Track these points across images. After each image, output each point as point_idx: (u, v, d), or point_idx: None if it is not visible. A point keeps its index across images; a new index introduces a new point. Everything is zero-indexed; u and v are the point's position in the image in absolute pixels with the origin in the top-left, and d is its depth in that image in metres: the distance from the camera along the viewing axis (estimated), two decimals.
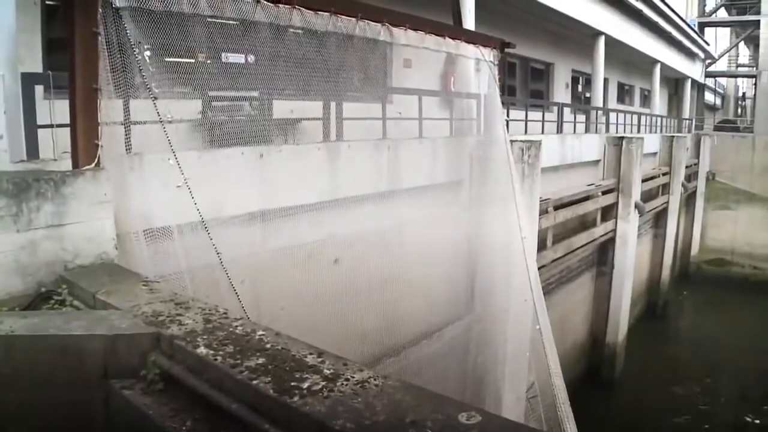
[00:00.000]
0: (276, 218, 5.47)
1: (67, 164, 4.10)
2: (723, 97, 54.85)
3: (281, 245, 5.52)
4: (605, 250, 15.35)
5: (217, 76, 5.09)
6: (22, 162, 4.96)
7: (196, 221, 4.28)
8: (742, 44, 46.76)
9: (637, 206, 15.41)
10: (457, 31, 6.92)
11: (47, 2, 7.47)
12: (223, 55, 5.07)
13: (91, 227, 3.76)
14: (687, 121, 32.94)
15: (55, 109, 4.89)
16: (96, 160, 3.91)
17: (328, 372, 2.13)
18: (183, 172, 4.17)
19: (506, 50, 7.50)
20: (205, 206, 4.38)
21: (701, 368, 16.71)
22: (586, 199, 13.16)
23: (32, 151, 5.14)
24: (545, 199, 10.37)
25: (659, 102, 29.13)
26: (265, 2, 4.73)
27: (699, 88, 38.59)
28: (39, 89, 5.28)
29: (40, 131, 5.14)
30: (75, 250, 3.68)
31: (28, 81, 5.21)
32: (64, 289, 3.46)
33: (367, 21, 5.64)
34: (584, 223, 13.49)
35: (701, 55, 35.08)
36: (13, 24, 5.44)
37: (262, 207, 5.36)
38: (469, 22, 10.50)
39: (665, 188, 20.50)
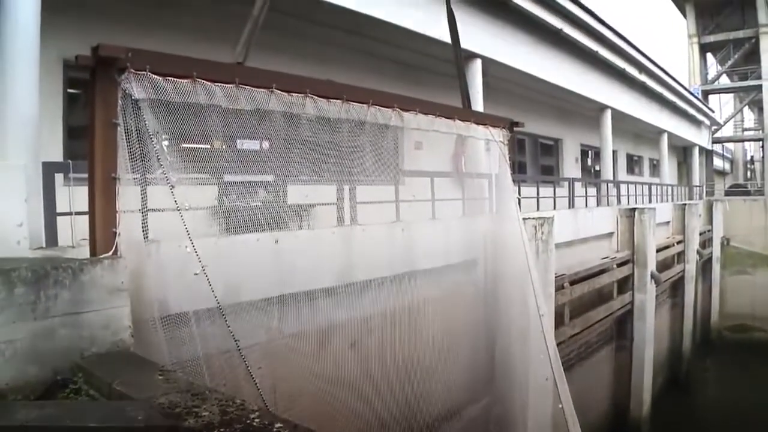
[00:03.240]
0: (292, 303, 5.46)
1: (85, 251, 4.13)
2: (731, 162, 55.03)
3: (298, 330, 5.50)
4: (624, 323, 15.12)
5: (233, 162, 5.18)
6: (41, 249, 5.04)
7: (213, 307, 4.26)
8: (746, 109, 47.34)
9: (653, 277, 15.28)
10: (466, 113, 7.05)
11: (69, 90, 7.76)
12: (238, 141, 5.18)
13: (108, 315, 3.75)
14: (697, 188, 33.00)
15: (74, 196, 5.00)
16: (114, 248, 3.92)
17: None
18: (200, 259, 4.19)
19: (515, 128, 7.64)
20: (222, 292, 4.38)
21: None
22: (602, 272, 13.10)
23: (51, 238, 5.23)
24: (561, 275, 10.32)
25: (668, 170, 29.27)
26: (279, 92, 4.86)
27: (707, 154, 38.82)
28: (59, 176, 5.43)
29: (59, 218, 5.27)
30: (91, 337, 3.66)
31: (49, 170, 5.37)
32: (80, 377, 3.41)
33: (378, 107, 5.77)
34: (601, 297, 13.36)
35: (707, 122, 35.48)
36: (36, 114, 5.65)
37: (279, 292, 5.37)
38: (477, 102, 10.79)
39: (680, 256, 20.36)
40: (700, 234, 22.71)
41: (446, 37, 7.78)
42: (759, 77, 38.66)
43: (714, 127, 38.89)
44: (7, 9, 5.62)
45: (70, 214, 5.19)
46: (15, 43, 5.60)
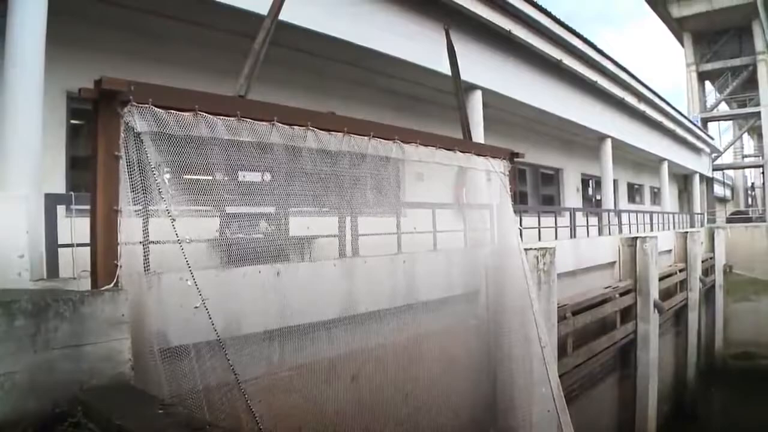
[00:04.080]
0: (293, 336, 5.43)
1: (86, 283, 4.12)
2: (732, 189, 55.18)
3: (299, 363, 5.45)
4: (627, 352, 15.00)
5: (234, 194, 5.19)
6: (42, 280, 5.02)
7: (214, 340, 4.24)
8: (746, 135, 47.61)
9: (656, 305, 15.20)
10: (466, 145, 7.08)
11: (71, 121, 7.81)
12: (239, 173, 5.19)
13: (109, 348, 3.71)
14: (699, 215, 33.01)
15: (75, 228, 5.00)
16: (115, 280, 3.92)
17: None
18: (200, 292, 4.18)
19: (516, 159, 7.67)
20: (222, 325, 4.37)
21: None
22: (604, 301, 13.03)
23: (52, 269, 5.21)
24: (563, 305, 10.27)
25: (669, 198, 29.32)
26: (280, 124, 4.89)
27: (707, 181, 38.92)
28: (61, 207, 5.44)
29: (60, 250, 5.26)
30: (91, 370, 3.62)
31: (51, 201, 5.38)
32: (80, 410, 3.36)
33: (379, 139, 5.79)
34: (604, 326, 13.27)
35: (707, 149, 35.62)
36: (38, 145, 5.69)
37: (280, 325, 5.33)
38: (478, 133, 10.85)
39: (683, 284, 20.28)
40: (703, 261, 22.65)
41: (446, 69, 7.85)
42: (757, 104, 39.06)
43: (714, 155, 39.05)
44: (12, 41, 5.71)
45: (71, 245, 5.19)
46: (19, 75, 5.68)
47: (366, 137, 5.66)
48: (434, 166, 6.55)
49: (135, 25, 8.19)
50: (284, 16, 6.17)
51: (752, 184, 54.30)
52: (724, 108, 44.13)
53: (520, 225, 8.82)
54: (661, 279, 16.42)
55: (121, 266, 3.95)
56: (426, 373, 6.47)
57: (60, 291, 3.95)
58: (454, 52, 7.75)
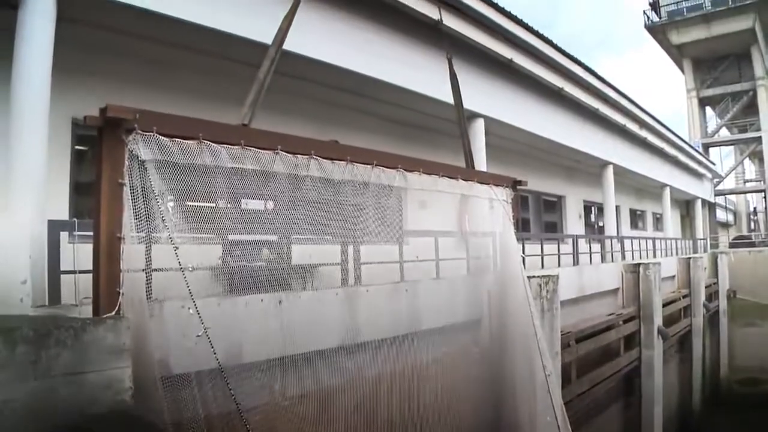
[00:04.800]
0: (295, 364, 5.39)
1: (88, 310, 4.11)
2: (735, 214, 55.12)
3: (301, 392, 5.41)
4: (631, 379, 14.89)
5: (237, 222, 5.19)
6: (43, 307, 5.02)
7: (215, 368, 4.22)
8: (747, 160, 47.74)
9: (660, 332, 15.12)
10: (469, 173, 7.09)
11: (76, 147, 7.86)
12: (242, 201, 5.20)
13: (109, 376, 3.70)
14: (701, 241, 32.94)
15: (78, 254, 5.00)
16: (117, 307, 3.90)
17: None
18: (202, 321, 4.17)
19: (518, 186, 7.68)
20: (224, 353, 4.35)
21: None
22: (608, 328, 12.97)
23: (54, 296, 5.22)
24: (566, 333, 10.22)
25: (672, 224, 29.27)
26: (284, 153, 4.91)
27: (710, 207, 38.90)
28: (64, 234, 5.45)
29: (63, 276, 5.26)
30: (92, 398, 3.60)
31: (54, 227, 5.39)
32: None
33: (382, 167, 5.81)
34: (608, 353, 13.19)
35: (708, 174, 35.67)
36: (43, 171, 5.73)
37: (282, 353, 5.29)
38: (480, 161, 10.88)
39: (687, 310, 20.17)
40: (706, 287, 22.54)
41: (449, 98, 7.89)
42: (758, 129, 39.30)
43: (716, 180, 39.11)
44: (19, 68, 5.79)
45: (74, 272, 5.20)
46: (25, 101, 5.77)
47: (369, 166, 5.66)
48: (437, 193, 6.56)
49: (140, 52, 8.27)
50: (288, 45, 6.22)
51: (754, 208, 54.33)
52: (725, 133, 44.39)
53: (523, 252, 8.81)
54: (664, 305, 16.34)
55: (123, 294, 3.94)
56: (429, 401, 6.41)
57: (62, 318, 3.95)
58: (457, 80, 7.81)
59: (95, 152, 4.06)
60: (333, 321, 5.85)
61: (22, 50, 5.84)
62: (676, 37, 40.64)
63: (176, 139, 4.20)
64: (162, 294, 4.35)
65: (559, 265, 13.40)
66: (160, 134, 4.09)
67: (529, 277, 7.69)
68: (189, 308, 4.18)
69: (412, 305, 6.63)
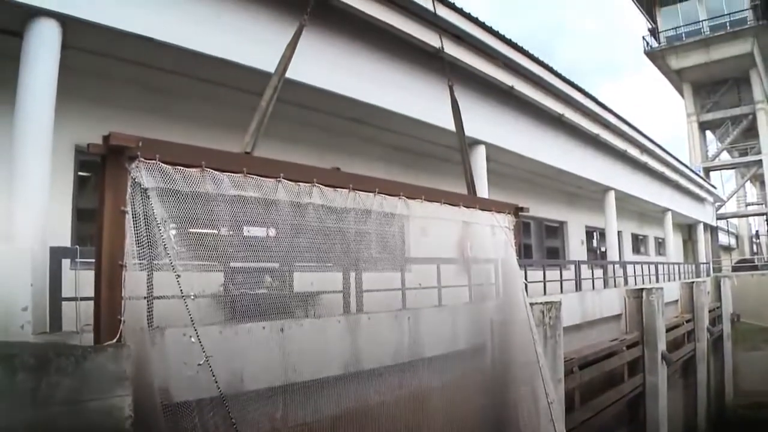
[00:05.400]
0: (297, 392, 5.36)
1: (89, 337, 4.07)
2: (737, 237, 55.05)
3: (302, 420, 5.37)
4: (636, 405, 14.78)
5: (239, 249, 5.18)
6: (44, 334, 5.01)
7: (217, 396, 4.19)
8: (748, 183, 47.80)
9: (664, 357, 15.05)
10: (471, 200, 7.09)
11: (79, 173, 7.88)
12: (244, 228, 5.20)
13: (110, 404, 3.67)
14: (704, 265, 32.86)
15: (80, 280, 4.99)
16: (118, 335, 3.89)
17: None
18: (204, 349, 4.14)
19: (520, 213, 7.68)
20: (226, 381, 4.33)
21: None
22: (612, 355, 12.91)
23: (55, 323, 5.22)
24: (570, 359, 10.16)
25: (674, 248, 29.23)
26: (286, 181, 4.92)
27: (712, 230, 38.83)
28: (66, 260, 5.45)
29: (64, 303, 5.25)
30: (91, 426, 3.58)
31: (56, 254, 5.40)
32: None
33: (384, 195, 5.82)
34: (612, 380, 13.12)
35: (710, 198, 35.67)
36: (46, 199, 5.73)
37: (283, 381, 5.27)
38: (482, 187, 10.89)
39: (690, 335, 20.08)
40: (710, 311, 22.48)
41: (450, 125, 7.93)
42: (758, 152, 39.41)
43: (718, 204, 39.12)
44: (23, 96, 5.83)
45: (75, 299, 5.19)
46: (29, 128, 5.80)
47: (371, 193, 5.66)
48: (439, 220, 6.56)
49: (144, 80, 8.35)
50: (291, 73, 6.28)
51: (756, 231, 54.28)
52: (725, 157, 44.49)
53: (525, 279, 8.78)
54: (668, 330, 16.27)
55: (124, 321, 3.93)
56: (431, 429, 6.35)
57: (62, 345, 3.95)
58: (458, 107, 7.85)
59: (98, 179, 4.07)
60: (335, 349, 5.83)
61: (26, 77, 5.89)
62: (676, 62, 40.93)
63: (179, 167, 4.20)
64: (163, 321, 4.33)
65: (561, 291, 13.39)
66: (162, 162, 4.10)
67: (531, 304, 7.68)
68: (191, 336, 4.16)
69: (414, 333, 6.60)
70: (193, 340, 4.15)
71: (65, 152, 7.46)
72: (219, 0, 7.51)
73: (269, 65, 6.27)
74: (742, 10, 38.05)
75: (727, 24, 38.54)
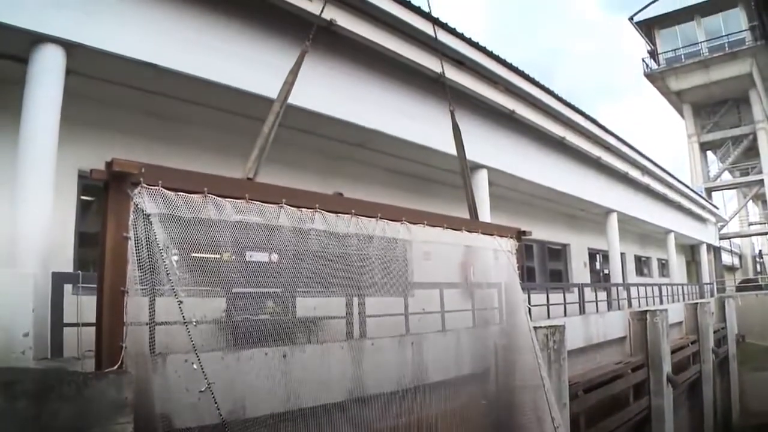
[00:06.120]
0: (300, 419, 5.30)
1: (90, 363, 4.08)
2: (740, 257, 54.93)
3: None
4: (642, 429, 14.60)
5: (241, 274, 5.17)
6: (45, 360, 4.98)
7: (219, 423, 4.15)
8: (750, 203, 47.77)
9: (669, 380, 14.93)
10: (473, 224, 7.07)
11: (82, 197, 7.90)
12: (247, 253, 5.19)
13: (111, 431, 3.64)
14: (708, 285, 32.73)
15: (82, 306, 4.98)
16: (120, 362, 3.86)
17: None
18: (206, 376, 4.11)
19: (523, 236, 7.66)
20: (228, 408, 4.32)
21: None
22: (616, 378, 12.81)
23: (56, 348, 5.20)
24: (574, 383, 10.09)
25: (677, 269, 29.14)
26: (289, 207, 4.92)
27: (715, 251, 38.73)
28: (68, 285, 5.44)
29: (65, 329, 5.22)
30: None
31: (58, 280, 5.39)
32: None
33: (386, 220, 5.81)
34: (617, 403, 13.00)
35: (712, 219, 35.65)
36: (48, 224, 5.73)
37: (286, 408, 5.22)
38: (484, 211, 10.89)
39: (696, 357, 19.93)
40: (715, 332, 22.34)
41: (452, 149, 7.94)
42: (760, 172, 39.46)
43: (720, 224, 39.07)
44: (27, 121, 5.86)
45: (77, 325, 5.17)
46: (33, 153, 5.81)
47: (373, 219, 5.65)
48: (442, 245, 6.55)
49: (147, 106, 8.41)
50: (293, 99, 6.31)
51: (760, 251, 54.23)
52: (727, 177, 44.54)
53: (529, 302, 8.75)
54: (673, 352, 16.17)
55: (126, 347, 3.91)
56: None
57: (64, 371, 3.91)
58: (460, 132, 7.87)
59: (101, 205, 4.08)
60: (338, 374, 5.79)
61: (30, 102, 5.93)
62: (675, 84, 41.19)
63: (181, 193, 4.21)
64: (165, 348, 4.32)
65: (565, 314, 13.32)
66: (165, 188, 4.10)
67: (535, 328, 7.63)
68: (193, 363, 4.13)
69: (418, 358, 6.56)
70: (195, 366, 4.13)
71: (68, 176, 7.49)
72: (222, 26, 7.58)
73: (272, 91, 6.30)
74: (740, 31, 38.35)
75: (726, 45, 38.83)
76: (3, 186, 5.90)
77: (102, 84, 7.48)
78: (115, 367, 3.83)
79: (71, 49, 6.22)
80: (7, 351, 4.71)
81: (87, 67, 6.83)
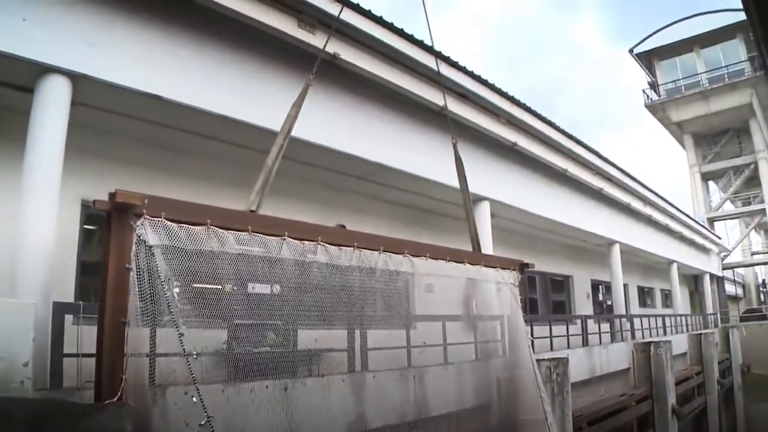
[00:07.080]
0: None
1: (89, 395, 4.05)
2: (743, 286, 54.59)
3: None
4: None
5: (243, 306, 5.15)
6: (44, 390, 4.94)
7: None
8: (753, 232, 47.65)
9: (674, 412, 14.72)
10: (476, 257, 7.07)
11: (84, 226, 7.91)
12: (249, 285, 5.17)
13: None
14: (712, 316, 32.52)
15: (82, 336, 4.96)
16: (119, 393, 3.83)
17: None
18: (206, 409, 4.07)
19: (526, 269, 7.64)
20: None
21: None
22: (621, 410, 12.64)
23: (56, 379, 5.18)
24: (578, 415, 9.96)
25: (681, 300, 28.98)
26: (291, 239, 4.92)
27: (718, 281, 38.55)
28: (69, 315, 5.42)
29: (65, 359, 5.19)
30: None
31: (59, 310, 5.38)
32: None
33: (388, 253, 5.80)
34: None
35: (715, 249, 35.57)
36: (50, 254, 5.73)
37: None
38: (487, 243, 10.88)
39: (701, 388, 19.67)
40: (719, 363, 22.07)
41: (454, 182, 7.97)
42: (762, 201, 39.47)
43: (723, 254, 38.95)
44: (32, 151, 5.91)
45: (77, 355, 5.15)
46: (36, 181, 5.86)
47: (376, 252, 5.66)
48: (444, 278, 6.53)
49: (151, 138, 8.46)
50: (297, 132, 6.36)
51: (763, 280, 53.88)
52: (729, 206, 44.55)
53: (532, 334, 8.71)
54: (677, 383, 15.96)
55: (126, 379, 3.88)
56: None
57: (63, 403, 3.92)
58: (462, 164, 7.90)
59: (103, 236, 4.09)
60: (339, 408, 5.72)
61: (36, 132, 5.99)
62: (676, 114, 41.46)
63: (184, 225, 4.22)
64: (165, 380, 4.28)
65: (568, 346, 13.24)
66: (167, 219, 4.12)
67: (538, 360, 7.58)
68: (192, 396, 4.10)
69: (420, 391, 6.50)
70: (194, 399, 4.10)
71: (71, 206, 7.51)
72: (228, 60, 7.68)
73: (275, 124, 6.35)
74: (740, 62, 38.68)
75: (726, 76, 39.17)
76: (6, 215, 5.92)
77: (107, 115, 7.54)
78: (115, 398, 3.81)
79: (77, 79, 6.29)
80: (6, 381, 4.68)
81: (92, 97, 6.90)
